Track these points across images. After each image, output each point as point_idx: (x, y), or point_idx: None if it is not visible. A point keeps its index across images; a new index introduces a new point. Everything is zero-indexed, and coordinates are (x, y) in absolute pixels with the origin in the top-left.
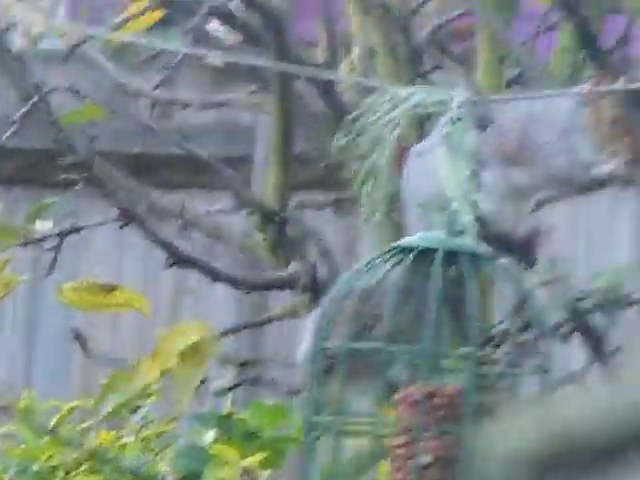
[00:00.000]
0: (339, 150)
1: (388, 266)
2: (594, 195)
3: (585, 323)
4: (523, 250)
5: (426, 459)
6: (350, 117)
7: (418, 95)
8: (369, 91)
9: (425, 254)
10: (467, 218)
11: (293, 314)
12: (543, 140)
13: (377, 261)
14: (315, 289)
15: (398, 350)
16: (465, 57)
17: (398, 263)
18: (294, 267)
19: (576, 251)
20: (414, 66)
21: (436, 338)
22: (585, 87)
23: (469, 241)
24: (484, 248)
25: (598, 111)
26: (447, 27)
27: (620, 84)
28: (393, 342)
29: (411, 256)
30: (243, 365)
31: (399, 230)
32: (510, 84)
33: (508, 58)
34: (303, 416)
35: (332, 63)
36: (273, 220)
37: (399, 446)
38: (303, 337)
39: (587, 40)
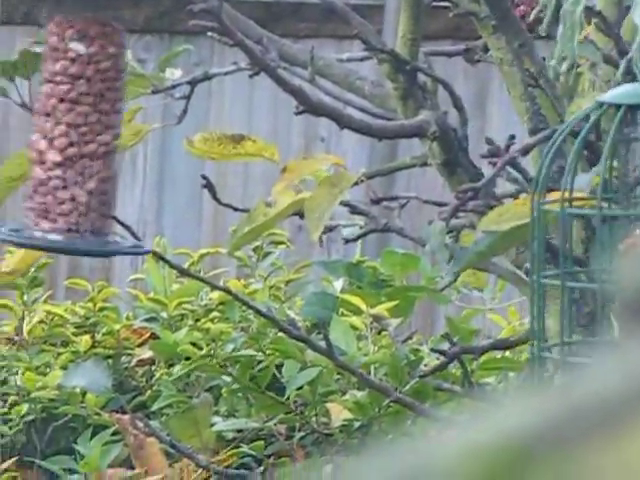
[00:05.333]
0: None
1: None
2: None
3: None
4: None
5: None
6: None
7: None
8: None
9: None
10: None
11: (423, 163)
12: None
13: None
14: (445, 138)
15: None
16: None
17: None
18: (424, 116)
19: None
20: None
21: None
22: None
23: None
24: None
25: None
26: None
27: None
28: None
29: (619, 114)
30: (377, 203)
31: (529, 75)
32: None
33: None
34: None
35: None
36: (404, 69)
37: None
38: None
39: None
